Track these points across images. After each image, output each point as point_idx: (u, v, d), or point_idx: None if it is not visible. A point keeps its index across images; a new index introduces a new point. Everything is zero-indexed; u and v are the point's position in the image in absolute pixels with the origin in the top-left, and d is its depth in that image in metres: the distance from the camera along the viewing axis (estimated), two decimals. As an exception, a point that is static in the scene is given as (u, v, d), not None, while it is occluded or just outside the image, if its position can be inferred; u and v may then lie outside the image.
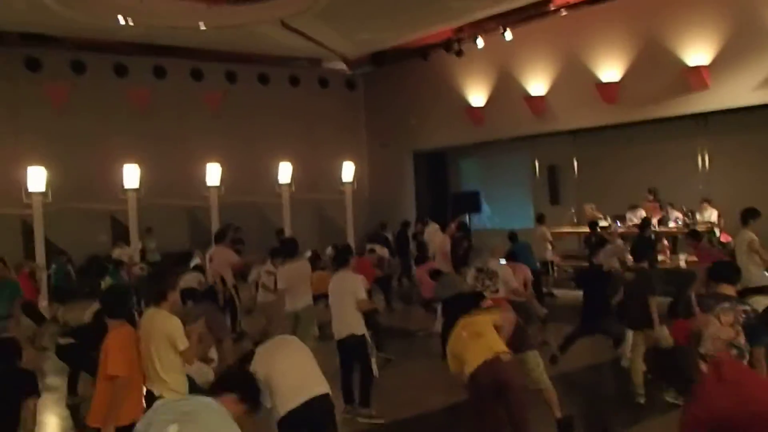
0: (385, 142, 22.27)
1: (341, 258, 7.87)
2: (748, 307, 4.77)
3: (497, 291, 8.49)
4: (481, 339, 5.59)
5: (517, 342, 6.15)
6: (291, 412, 4.87)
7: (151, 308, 5.32)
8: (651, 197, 15.54)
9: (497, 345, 5.52)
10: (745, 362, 4.66)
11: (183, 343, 5.13)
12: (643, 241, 11.53)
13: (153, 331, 5.14)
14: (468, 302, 6.05)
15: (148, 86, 18.82)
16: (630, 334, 7.91)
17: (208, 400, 3.36)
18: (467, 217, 18.87)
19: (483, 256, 9.07)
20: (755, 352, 4.71)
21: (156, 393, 5.06)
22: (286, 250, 9.15)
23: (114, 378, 4.92)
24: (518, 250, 11.97)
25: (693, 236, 11.32)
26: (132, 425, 4.22)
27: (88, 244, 17.01)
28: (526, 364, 6.44)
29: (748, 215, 8.99)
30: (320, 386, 5.09)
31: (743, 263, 7.99)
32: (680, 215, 15.07)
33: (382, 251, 14.52)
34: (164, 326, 5.13)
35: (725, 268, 5.07)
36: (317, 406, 4.98)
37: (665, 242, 15.10)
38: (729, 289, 4.91)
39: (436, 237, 14.99)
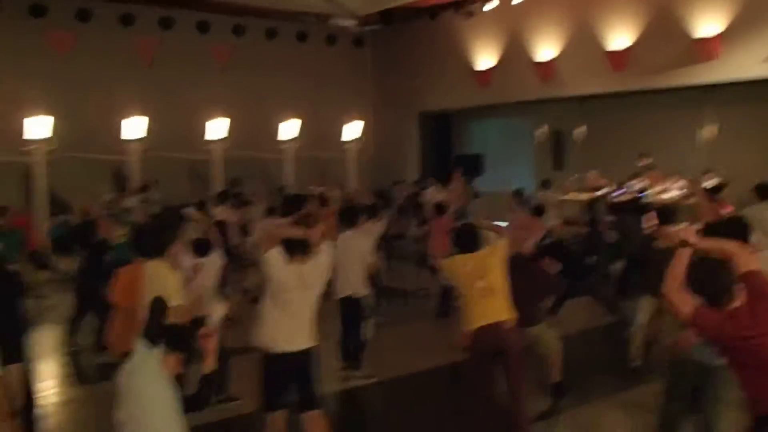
0: (391, 102, 22.13)
1: (350, 217, 7.85)
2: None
3: None
4: (491, 299, 5.51)
5: (529, 316, 6.18)
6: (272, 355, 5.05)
7: (152, 260, 5.30)
8: (644, 162, 15.40)
9: (503, 310, 5.50)
10: None
11: (176, 300, 5.08)
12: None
13: (153, 285, 5.13)
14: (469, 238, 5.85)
15: (155, 37, 18.67)
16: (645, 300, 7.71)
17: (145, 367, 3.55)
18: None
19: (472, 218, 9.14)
20: None
21: None
22: (286, 207, 9.18)
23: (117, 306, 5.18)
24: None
25: (714, 191, 11.28)
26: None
27: (90, 194, 17.05)
28: (537, 335, 6.51)
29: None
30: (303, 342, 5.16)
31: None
32: (685, 182, 15.03)
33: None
34: (163, 280, 5.13)
35: (731, 227, 4.98)
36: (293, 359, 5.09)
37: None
38: None
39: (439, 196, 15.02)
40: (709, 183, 14.53)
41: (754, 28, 13.76)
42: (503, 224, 8.42)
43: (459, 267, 5.63)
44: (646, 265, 7.39)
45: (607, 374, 7.66)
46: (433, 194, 15.92)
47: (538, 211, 10.85)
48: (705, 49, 14.40)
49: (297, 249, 4.97)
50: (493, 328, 5.41)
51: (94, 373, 7.99)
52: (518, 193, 13.33)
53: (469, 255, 5.61)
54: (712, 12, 14.32)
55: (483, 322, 5.43)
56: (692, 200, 14.49)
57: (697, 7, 14.56)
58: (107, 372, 7.48)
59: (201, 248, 6.58)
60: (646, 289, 7.43)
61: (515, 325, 5.56)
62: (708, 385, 4.74)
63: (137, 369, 3.80)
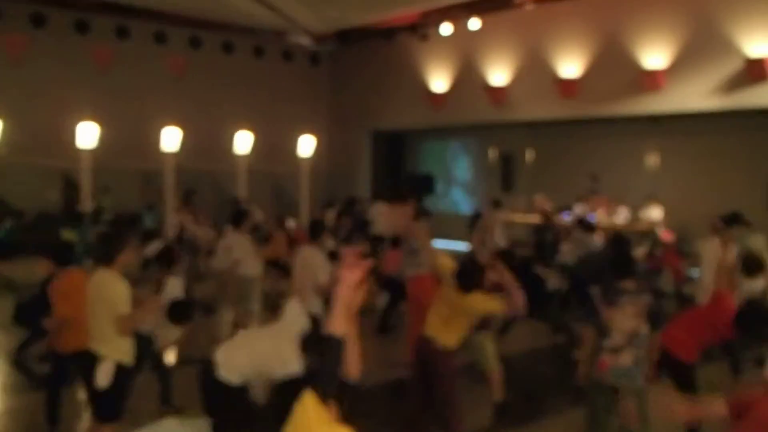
0: (344, 120, 22.32)
1: (313, 232, 7.92)
2: (648, 298, 5.09)
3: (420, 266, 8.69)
4: (445, 317, 5.61)
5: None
6: None
7: (101, 269, 5.29)
8: (593, 185, 15.93)
9: (440, 331, 5.56)
10: (645, 349, 4.94)
11: (124, 308, 5.09)
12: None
13: (99, 293, 5.16)
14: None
15: (111, 46, 18.54)
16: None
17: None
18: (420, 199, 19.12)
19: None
20: (653, 336, 5.03)
21: (99, 353, 5.11)
22: (234, 219, 9.32)
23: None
24: None
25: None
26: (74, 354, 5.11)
27: (39, 200, 16.82)
28: (477, 344, 6.63)
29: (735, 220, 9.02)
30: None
31: None
32: (626, 212, 15.58)
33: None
34: (109, 289, 5.12)
35: (625, 264, 5.28)
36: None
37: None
38: (630, 284, 5.15)
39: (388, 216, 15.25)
40: (653, 212, 15.11)
41: (697, 63, 14.35)
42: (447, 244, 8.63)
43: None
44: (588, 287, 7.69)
45: (554, 393, 7.80)
46: (378, 210, 16.23)
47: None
48: (651, 81, 14.96)
49: None
50: (426, 342, 5.57)
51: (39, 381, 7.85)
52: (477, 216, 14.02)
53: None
54: (658, 46, 14.91)
55: (424, 331, 5.63)
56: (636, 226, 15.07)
57: (645, 40, 15.14)
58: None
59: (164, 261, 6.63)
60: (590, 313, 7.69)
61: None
62: (628, 399, 4.94)
63: None
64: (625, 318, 4.90)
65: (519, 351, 9.18)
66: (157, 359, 6.76)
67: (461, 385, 7.37)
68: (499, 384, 6.76)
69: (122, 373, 5.15)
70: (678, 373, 5.58)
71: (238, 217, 9.29)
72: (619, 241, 9.49)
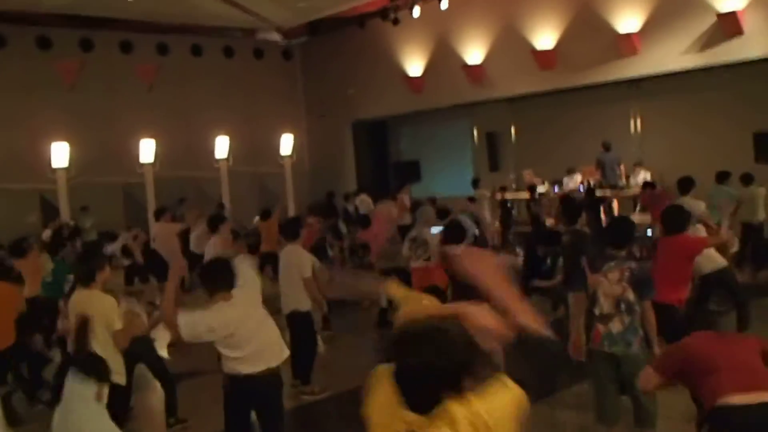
0: (323, 113, 22.08)
1: (290, 231, 7.75)
2: (633, 264, 4.92)
3: (429, 259, 8.61)
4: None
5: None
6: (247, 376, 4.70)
7: (82, 289, 5.23)
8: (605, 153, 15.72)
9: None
10: (637, 316, 4.83)
11: (117, 325, 5.07)
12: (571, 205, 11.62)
13: (90, 312, 5.05)
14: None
15: (76, 60, 18.16)
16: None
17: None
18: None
19: (418, 224, 9.17)
20: (644, 304, 4.86)
21: None
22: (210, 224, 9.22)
23: None
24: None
25: (648, 186, 11.79)
26: None
27: (17, 225, 16.49)
28: None
29: (689, 184, 9.31)
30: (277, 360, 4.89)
31: None
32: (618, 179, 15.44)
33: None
34: (100, 306, 5.08)
35: (619, 232, 5.19)
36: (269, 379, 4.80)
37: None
38: (618, 251, 5.04)
39: (378, 207, 15.04)
40: (641, 176, 14.99)
41: (671, 23, 14.16)
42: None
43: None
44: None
45: (554, 371, 7.70)
46: (363, 205, 16.08)
47: None
48: (627, 45, 14.77)
49: None
50: None
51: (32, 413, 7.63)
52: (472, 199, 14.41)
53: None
54: (631, 9, 14.71)
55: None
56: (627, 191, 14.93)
57: (618, 5, 14.93)
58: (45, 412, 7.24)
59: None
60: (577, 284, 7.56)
61: None
62: (627, 371, 4.82)
63: (72, 408, 3.63)
64: (610, 284, 4.84)
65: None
66: (162, 370, 6.61)
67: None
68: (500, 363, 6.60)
69: (116, 393, 4.96)
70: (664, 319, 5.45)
71: (214, 222, 9.14)
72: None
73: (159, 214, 11.70)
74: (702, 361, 3.85)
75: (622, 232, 5.21)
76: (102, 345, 5.02)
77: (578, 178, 15.81)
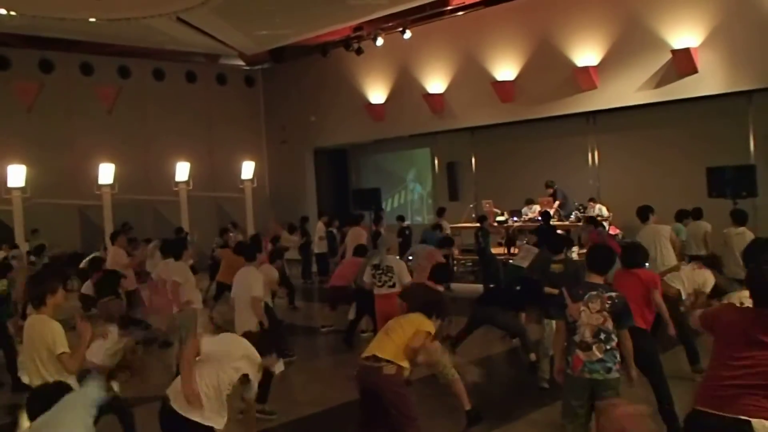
0: (284, 139, 22.09)
1: (248, 252, 7.76)
2: (613, 293, 5.02)
3: (394, 286, 8.64)
4: (382, 336, 5.66)
5: None
6: None
7: (33, 314, 5.09)
8: (549, 191, 16.08)
9: (381, 349, 5.51)
10: (614, 344, 4.93)
11: (62, 347, 4.86)
12: (555, 234, 11.74)
13: (34, 338, 4.92)
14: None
15: (35, 80, 17.92)
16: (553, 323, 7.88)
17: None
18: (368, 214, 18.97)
19: (380, 252, 9.20)
20: (621, 333, 4.99)
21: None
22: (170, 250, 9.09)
23: None
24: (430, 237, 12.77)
25: (591, 222, 11.98)
26: None
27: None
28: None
29: (647, 212, 9.63)
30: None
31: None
32: (573, 210, 15.71)
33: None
34: (43, 331, 4.89)
35: (599, 260, 5.32)
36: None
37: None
38: (597, 278, 5.16)
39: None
40: (596, 210, 15.30)
41: (628, 59, 14.56)
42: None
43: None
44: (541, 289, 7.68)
45: (516, 396, 7.75)
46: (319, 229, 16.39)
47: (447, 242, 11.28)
48: (585, 78, 15.13)
49: None
50: (364, 369, 5.52)
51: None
52: (436, 227, 14.60)
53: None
54: (590, 44, 15.09)
55: (362, 358, 5.58)
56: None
57: (576, 40, 15.30)
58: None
59: None
60: (546, 312, 7.61)
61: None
62: (600, 395, 4.89)
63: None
64: (591, 313, 4.93)
65: (482, 356, 9.06)
66: (116, 398, 6.44)
67: (429, 397, 7.24)
68: (463, 393, 6.64)
69: None
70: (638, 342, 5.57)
71: (176, 247, 9.04)
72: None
73: (113, 238, 11.59)
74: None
75: (604, 258, 5.34)
76: (51, 371, 4.86)
77: (537, 208, 16.05)
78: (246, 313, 7.32)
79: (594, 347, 4.90)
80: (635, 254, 6.44)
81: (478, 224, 14.42)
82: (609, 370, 4.90)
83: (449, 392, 6.76)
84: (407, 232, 16.27)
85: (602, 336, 4.90)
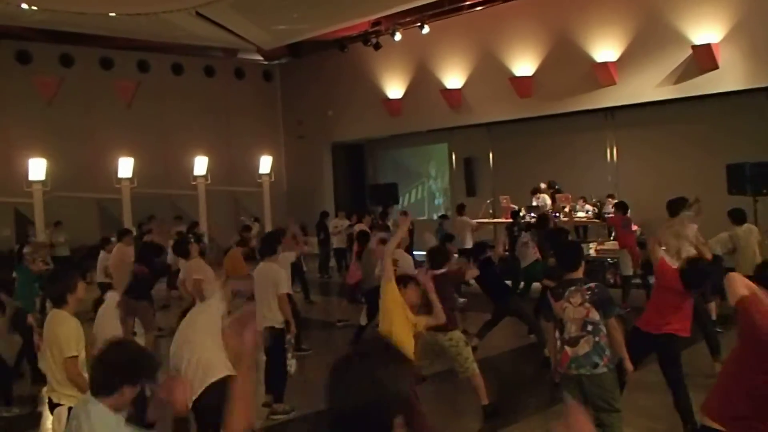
0: (302, 134, 22.15)
1: (267, 247, 7.71)
2: (592, 284, 5.05)
3: None
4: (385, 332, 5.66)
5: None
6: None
7: (53, 310, 4.97)
8: (549, 190, 16.11)
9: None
10: (603, 334, 4.93)
11: (69, 351, 4.70)
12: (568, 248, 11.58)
13: (50, 335, 4.84)
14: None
15: (55, 75, 18.08)
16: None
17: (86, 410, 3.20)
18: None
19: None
20: (609, 322, 5.00)
21: (54, 401, 4.77)
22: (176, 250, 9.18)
23: None
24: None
25: (621, 207, 11.98)
26: None
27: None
28: (453, 343, 6.56)
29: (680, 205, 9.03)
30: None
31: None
32: (590, 207, 15.62)
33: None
34: (58, 330, 4.78)
35: (567, 258, 5.32)
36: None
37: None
38: (575, 274, 5.16)
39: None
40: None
41: (647, 54, 14.44)
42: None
43: None
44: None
45: (533, 392, 7.74)
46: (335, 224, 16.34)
47: (448, 237, 11.28)
48: (604, 75, 15.02)
49: None
50: None
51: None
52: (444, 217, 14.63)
53: None
54: (609, 39, 14.98)
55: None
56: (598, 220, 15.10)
57: (596, 35, 15.21)
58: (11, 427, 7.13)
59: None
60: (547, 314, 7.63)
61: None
62: (590, 392, 4.92)
63: None
64: (574, 308, 4.96)
65: (497, 353, 9.07)
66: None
67: (446, 393, 7.26)
68: (482, 387, 6.65)
69: None
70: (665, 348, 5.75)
71: (182, 247, 9.11)
72: (557, 233, 9.85)
73: (120, 236, 11.32)
74: None
75: (573, 255, 5.34)
76: (56, 367, 4.79)
77: (544, 197, 16.10)
78: (269, 309, 7.25)
79: (582, 341, 4.91)
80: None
81: (511, 220, 14.49)
82: (595, 366, 4.89)
83: (468, 386, 6.76)
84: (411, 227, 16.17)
85: (589, 328, 4.92)
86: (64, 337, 4.76)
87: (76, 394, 4.72)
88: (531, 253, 11.04)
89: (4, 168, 16.17)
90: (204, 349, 5.06)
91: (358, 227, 14.06)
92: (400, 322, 5.47)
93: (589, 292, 4.96)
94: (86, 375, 4.74)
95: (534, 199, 16.26)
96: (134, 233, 13.80)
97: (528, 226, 12.27)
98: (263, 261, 7.60)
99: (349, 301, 11.47)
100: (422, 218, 20.24)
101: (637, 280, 11.38)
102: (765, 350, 3.57)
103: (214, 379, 4.90)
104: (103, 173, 17.18)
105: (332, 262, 17.19)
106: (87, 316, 5.22)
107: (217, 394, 4.55)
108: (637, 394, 6.42)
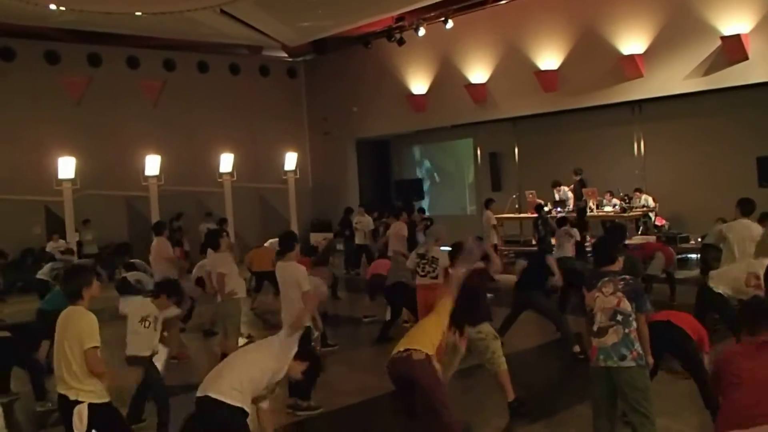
0: (327, 130, 22.20)
1: (285, 245, 7.70)
2: (627, 276, 4.97)
3: (436, 277, 8.62)
4: (415, 329, 5.78)
5: (475, 313, 6.36)
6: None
7: (69, 306, 4.97)
8: (576, 177, 15.95)
9: (416, 342, 5.54)
10: (633, 328, 4.83)
11: (91, 342, 4.72)
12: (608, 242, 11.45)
13: (67, 330, 4.82)
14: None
15: (83, 74, 18.30)
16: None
17: None
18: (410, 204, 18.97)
19: (427, 242, 9.19)
20: (638, 318, 4.88)
21: (72, 398, 4.74)
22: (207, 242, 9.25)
23: None
24: None
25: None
26: None
27: (22, 236, 16.59)
28: (482, 336, 6.56)
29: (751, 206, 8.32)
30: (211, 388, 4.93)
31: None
32: (618, 201, 15.49)
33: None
34: (78, 323, 4.79)
35: (600, 254, 5.27)
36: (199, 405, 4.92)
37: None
38: (612, 267, 5.09)
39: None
40: (642, 200, 15.06)
41: (674, 47, 14.25)
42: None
43: None
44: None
45: (559, 389, 7.68)
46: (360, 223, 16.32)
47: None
48: (630, 68, 14.85)
49: None
50: (399, 360, 5.51)
51: (34, 422, 7.61)
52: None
53: None
54: (635, 32, 14.81)
55: (395, 351, 5.58)
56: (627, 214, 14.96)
57: (622, 28, 15.04)
58: (46, 420, 7.23)
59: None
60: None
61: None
62: (619, 385, 4.83)
63: None
64: (605, 297, 4.88)
65: (525, 348, 9.02)
66: (159, 386, 6.57)
67: (472, 389, 7.21)
68: (508, 384, 6.61)
69: (100, 413, 4.83)
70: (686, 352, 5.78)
71: (212, 239, 9.14)
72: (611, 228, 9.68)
73: (157, 230, 11.52)
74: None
75: (606, 250, 5.29)
76: (82, 366, 4.76)
77: (565, 189, 15.99)
78: (294, 308, 7.24)
79: (610, 330, 4.80)
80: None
81: (535, 214, 14.39)
82: (623, 358, 4.76)
83: (493, 382, 6.73)
84: (429, 223, 16.09)
85: (619, 318, 4.81)
86: (88, 328, 4.77)
87: (97, 389, 4.78)
88: (569, 248, 10.99)
89: (34, 167, 16.38)
90: (254, 368, 5.15)
91: (395, 227, 13.97)
92: (432, 332, 5.61)
93: (622, 282, 4.87)
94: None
95: (555, 192, 16.17)
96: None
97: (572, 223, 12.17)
98: (281, 260, 7.59)
99: (371, 298, 11.44)
100: (451, 214, 20.21)
101: (663, 275, 11.23)
102: None
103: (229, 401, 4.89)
104: (131, 171, 17.35)
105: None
106: (101, 317, 5.24)
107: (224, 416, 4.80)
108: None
